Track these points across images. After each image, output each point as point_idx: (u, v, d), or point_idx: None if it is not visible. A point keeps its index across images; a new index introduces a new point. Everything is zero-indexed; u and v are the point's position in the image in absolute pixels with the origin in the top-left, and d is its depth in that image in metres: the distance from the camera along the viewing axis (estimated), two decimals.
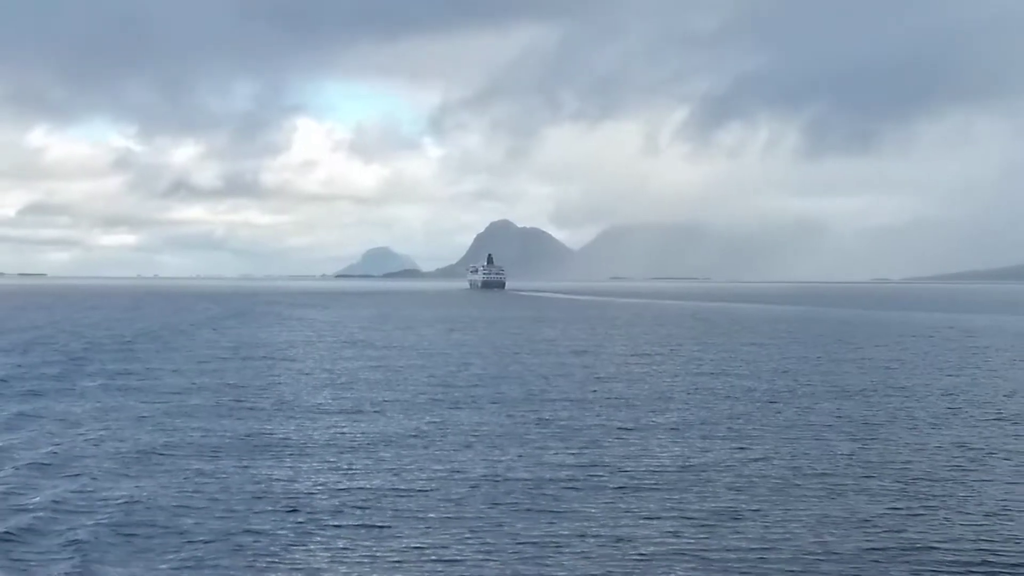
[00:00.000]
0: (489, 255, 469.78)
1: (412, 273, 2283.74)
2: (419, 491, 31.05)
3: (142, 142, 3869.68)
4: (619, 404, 51.37)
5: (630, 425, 44.23)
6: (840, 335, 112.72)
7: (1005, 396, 55.20)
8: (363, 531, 26.43)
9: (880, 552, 24.72)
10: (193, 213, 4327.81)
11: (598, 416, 47.04)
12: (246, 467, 34.49)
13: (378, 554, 24.41)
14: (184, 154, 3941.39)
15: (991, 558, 24.28)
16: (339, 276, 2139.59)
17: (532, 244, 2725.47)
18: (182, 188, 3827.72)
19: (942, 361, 77.28)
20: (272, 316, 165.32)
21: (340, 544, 25.21)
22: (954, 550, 24.89)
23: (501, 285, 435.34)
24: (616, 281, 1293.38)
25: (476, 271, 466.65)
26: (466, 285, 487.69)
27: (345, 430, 42.68)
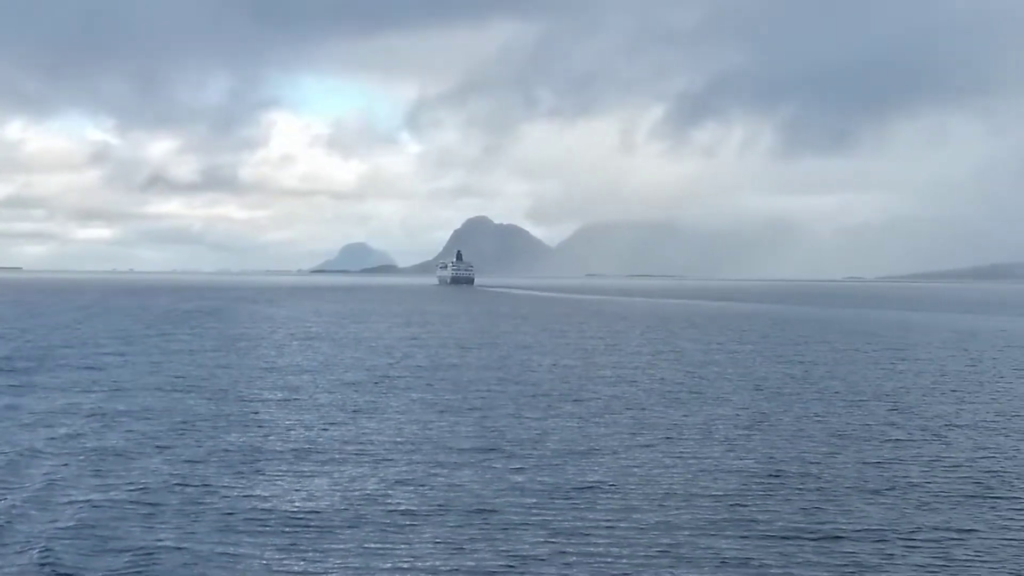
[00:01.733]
0: (458, 252, 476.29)
1: (389, 269, 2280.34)
2: (310, 461, 33.85)
3: (119, 135, 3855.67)
4: (534, 392, 54.35)
5: (536, 413, 47.03)
6: (781, 332, 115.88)
7: (903, 388, 58.25)
8: (253, 499, 29.19)
9: (710, 522, 27.56)
10: (170, 207, 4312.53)
11: (508, 402, 49.94)
12: (153, 441, 37.30)
13: (247, 511, 27.13)
14: (161, 148, 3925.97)
15: (808, 527, 27.11)
16: (315, 271, 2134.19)
17: (509, 240, 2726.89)
18: (159, 182, 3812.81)
19: (861, 356, 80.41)
20: (239, 311, 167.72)
21: (223, 507, 27.93)
22: (773, 520, 27.77)
23: (470, 281, 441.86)
24: (591, 278, 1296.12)
25: (446, 267, 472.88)
26: (436, 281, 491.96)
27: (263, 415, 45.41)
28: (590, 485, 31.76)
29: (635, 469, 34.22)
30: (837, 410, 49.17)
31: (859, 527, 27.24)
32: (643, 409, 48.83)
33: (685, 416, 46.62)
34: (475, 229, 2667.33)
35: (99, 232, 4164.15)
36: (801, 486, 32.02)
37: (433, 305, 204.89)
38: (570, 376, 63.71)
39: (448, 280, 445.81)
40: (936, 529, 27.08)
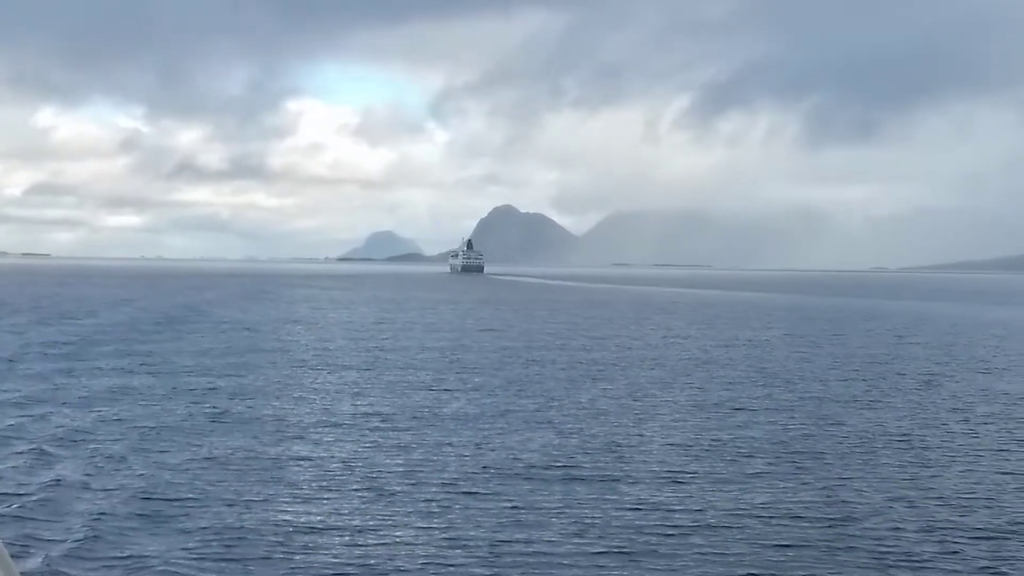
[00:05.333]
0: (469, 241, 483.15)
1: (415, 257, 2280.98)
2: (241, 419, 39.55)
3: (149, 123, 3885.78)
4: (463, 369, 59.88)
5: (457, 385, 52.64)
6: (767, 319, 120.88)
7: (822, 371, 63.41)
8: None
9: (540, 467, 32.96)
10: (199, 195, 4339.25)
11: (430, 378, 55.44)
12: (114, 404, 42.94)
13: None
14: (190, 136, 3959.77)
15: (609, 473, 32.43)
16: (341, 259, 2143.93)
17: (536, 230, 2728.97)
18: (188, 170, 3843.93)
19: (798, 340, 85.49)
20: (242, 297, 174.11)
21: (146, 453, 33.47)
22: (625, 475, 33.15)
23: (480, 269, 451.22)
24: (616, 268, 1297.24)
25: (457, 256, 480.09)
26: (448, 270, 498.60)
27: (189, 388, 51.17)
28: (467, 442, 37.28)
29: (522, 431, 39.43)
30: (749, 389, 54.41)
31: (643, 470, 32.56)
32: (557, 385, 53.98)
33: (572, 389, 52.13)
34: (502, 218, 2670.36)
35: (128, 219, 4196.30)
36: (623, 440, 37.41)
37: (434, 292, 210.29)
38: (505, 356, 69.07)
39: (459, 268, 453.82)
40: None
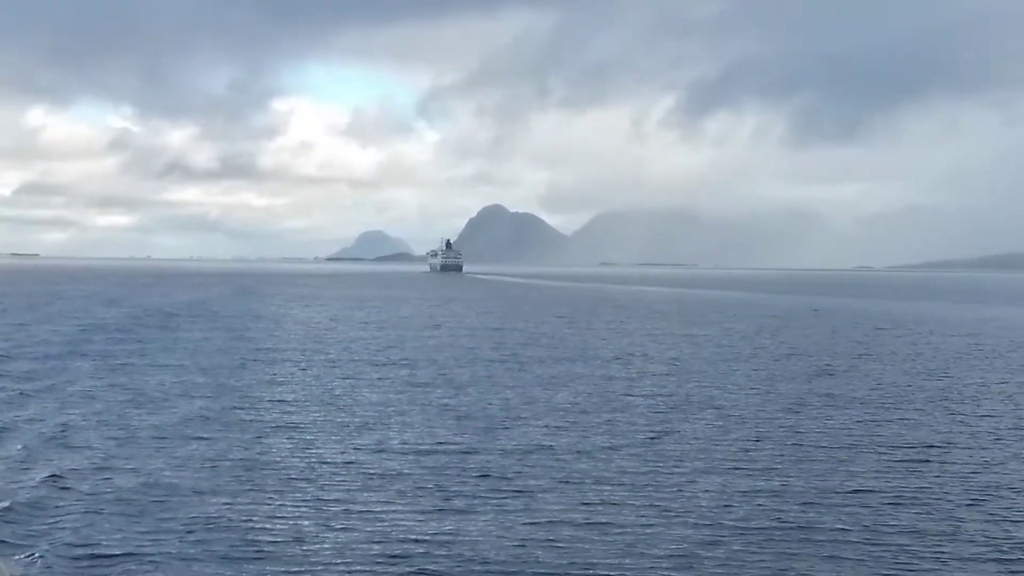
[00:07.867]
0: (448, 240, 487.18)
1: (404, 256, 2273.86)
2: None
3: (138, 123, 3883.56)
4: (392, 361, 63.75)
5: (382, 374, 56.41)
6: (712, 316, 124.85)
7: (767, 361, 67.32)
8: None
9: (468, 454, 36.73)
10: (188, 194, 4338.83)
11: (355, 369, 59.26)
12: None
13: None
14: (180, 135, 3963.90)
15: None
16: (331, 259, 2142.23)
17: (525, 229, 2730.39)
18: (178, 169, 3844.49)
19: (741, 335, 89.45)
20: (219, 297, 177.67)
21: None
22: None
23: (458, 268, 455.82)
24: (603, 267, 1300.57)
25: (436, 255, 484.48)
26: (428, 269, 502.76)
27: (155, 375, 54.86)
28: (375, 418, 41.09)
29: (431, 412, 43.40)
30: (666, 383, 58.25)
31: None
32: (456, 373, 57.96)
33: (460, 374, 55.98)
34: (491, 217, 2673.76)
35: (118, 219, 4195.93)
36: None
37: (404, 291, 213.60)
38: (439, 351, 72.93)
39: (438, 268, 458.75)
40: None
